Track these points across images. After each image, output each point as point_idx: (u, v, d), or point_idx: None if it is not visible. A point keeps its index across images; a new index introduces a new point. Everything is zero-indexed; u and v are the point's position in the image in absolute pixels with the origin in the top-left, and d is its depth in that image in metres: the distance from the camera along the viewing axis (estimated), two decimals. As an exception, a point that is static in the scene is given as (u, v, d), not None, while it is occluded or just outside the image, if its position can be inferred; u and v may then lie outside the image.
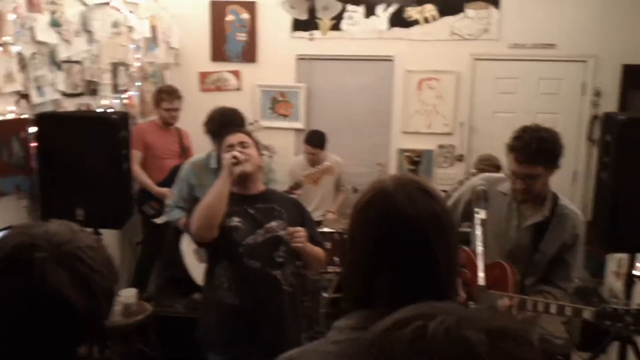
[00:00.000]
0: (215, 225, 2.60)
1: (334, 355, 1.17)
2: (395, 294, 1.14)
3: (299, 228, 2.66)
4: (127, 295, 3.72)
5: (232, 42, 6.22)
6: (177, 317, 4.19)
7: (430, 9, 5.91)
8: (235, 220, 2.65)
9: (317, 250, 2.79)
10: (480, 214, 2.39)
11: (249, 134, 2.89)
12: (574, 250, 2.68)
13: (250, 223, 2.67)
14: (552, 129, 2.60)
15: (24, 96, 3.73)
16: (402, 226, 1.18)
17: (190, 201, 3.59)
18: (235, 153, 2.66)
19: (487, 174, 2.94)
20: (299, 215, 2.82)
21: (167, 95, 4.97)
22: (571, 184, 5.96)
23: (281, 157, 5.69)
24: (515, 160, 2.51)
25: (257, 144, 2.87)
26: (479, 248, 2.29)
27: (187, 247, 3.81)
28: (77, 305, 1.04)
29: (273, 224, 2.70)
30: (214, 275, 2.69)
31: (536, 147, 2.46)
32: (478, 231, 2.34)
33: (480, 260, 2.27)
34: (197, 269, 3.75)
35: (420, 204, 1.19)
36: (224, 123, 3.47)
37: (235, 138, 2.80)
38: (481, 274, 2.25)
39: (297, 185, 4.16)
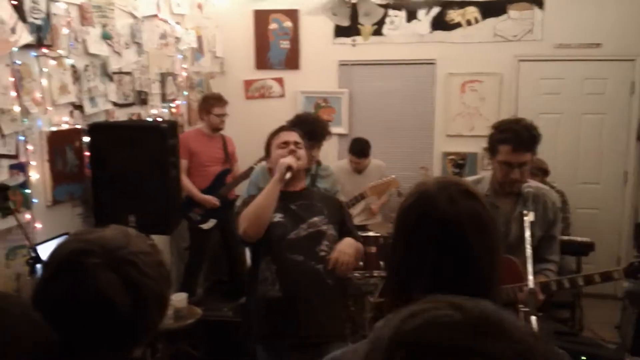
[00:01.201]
0: (264, 225, 2.69)
1: None
2: (434, 293, 1.16)
3: (341, 257, 2.70)
4: (178, 299, 3.80)
5: (275, 50, 6.31)
6: (225, 321, 4.26)
7: (472, 11, 5.88)
8: (278, 216, 2.73)
9: (359, 246, 2.86)
10: (529, 216, 2.43)
11: (300, 133, 2.98)
12: (556, 225, 2.86)
13: (293, 218, 2.75)
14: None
15: (78, 107, 3.88)
16: (442, 227, 1.20)
17: None
18: (291, 161, 2.74)
19: (466, 178, 3.04)
20: (339, 212, 2.88)
21: (217, 101, 5.11)
22: (622, 185, 5.82)
23: (324, 162, 5.71)
24: (512, 150, 2.67)
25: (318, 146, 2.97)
26: (528, 250, 2.30)
27: None
28: (125, 308, 1.07)
29: (315, 219, 2.77)
30: (258, 270, 2.76)
31: (527, 135, 2.67)
32: (527, 233, 2.36)
33: (530, 263, 2.28)
34: None
35: (460, 205, 1.21)
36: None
37: (291, 136, 2.89)
38: (530, 277, 2.25)
39: (361, 197, 4.20)
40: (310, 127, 3.44)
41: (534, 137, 2.69)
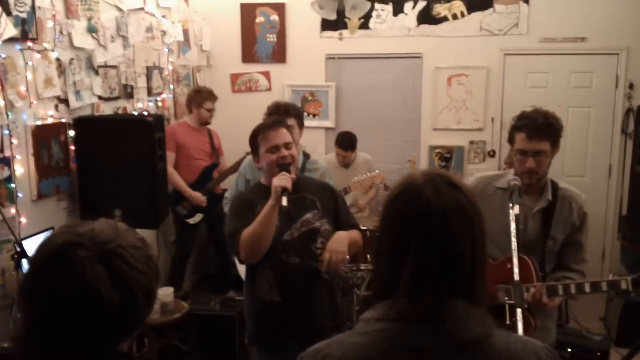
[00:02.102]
0: (263, 251, 2.58)
1: (359, 346, 1.20)
2: (417, 284, 1.17)
3: (333, 256, 2.61)
4: (165, 293, 3.80)
5: (262, 44, 6.29)
6: (213, 315, 4.26)
7: (458, 5, 5.90)
8: None
9: (353, 235, 2.77)
10: (515, 209, 2.39)
11: (286, 126, 2.79)
12: (583, 230, 2.72)
13: (286, 218, 2.65)
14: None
15: (63, 100, 3.85)
16: (426, 217, 1.21)
17: None
18: (285, 183, 2.54)
19: (482, 174, 2.95)
20: (332, 202, 2.79)
21: (209, 96, 5.13)
22: (607, 178, 5.89)
23: (312, 155, 5.73)
24: (526, 137, 2.59)
25: (300, 127, 2.84)
26: (514, 243, 2.30)
27: None
28: (113, 302, 1.07)
29: (308, 215, 2.69)
30: (255, 274, 2.70)
31: (543, 122, 2.58)
32: (512, 226, 2.35)
33: (515, 255, 2.27)
34: (243, 266, 3.75)
35: (445, 196, 1.22)
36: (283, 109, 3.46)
37: (280, 138, 2.69)
38: (516, 269, 2.26)
39: (344, 192, 4.18)
40: (286, 111, 3.41)
41: (550, 125, 2.59)
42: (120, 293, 1.08)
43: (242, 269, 3.85)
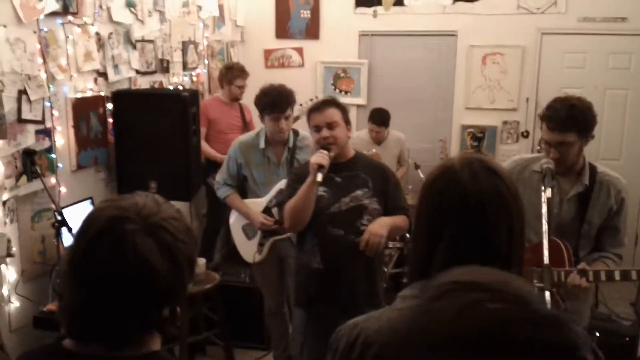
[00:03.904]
0: (304, 223, 2.79)
1: (394, 322, 1.24)
2: (450, 265, 1.21)
3: (371, 239, 2.72)
4: (197, 264, 3.88)
5: (295, 20, 6.29)
6: (241, 286, 4.36)
7: (496, -17, 5.80)
8: (321, 190, 2.77)
9: (396, 221, 2.86)
10: (547, 192, 2.40)
11: (338, 105, 2.90)
12: (621, 215, 2.68)
13: (335, 192, 2.80)
14: (586, 99, 2.63)
15: (102, 74, 3.93)
16: (462, 201, 1.23)
17: (238, 179, 3.68)
18: (321, 160, 2.70)
19: (519, 156, 2.93)
20: (384, 184, 2.88)
21: (241, 73, 5.16)
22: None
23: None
24: (548, 128, 2.57)
25: (346, 112, 2.90)
26: (544, 226, 2.30)
27: (235, 224, 3.79)
28: (163, 271, 1.12)
29: (358, 192, 2.81)
30: (303, 241, 2.89)
31: (565, 115, 2.52)
32: (543, 209, 2.35)
33: (545, 238, 2.28)
34: (245, 246, 3.77)
35: (482, 180, 1.24)
36: (276, 96, 3.47)
37: (323, 117, 2.82)
38: (545, 252, 2.27)
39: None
40: (279, 95, 3.44)
41: (574, 117, 2.52)
42: (168, 263, 1.13)
43: (242, 250, 3.90)
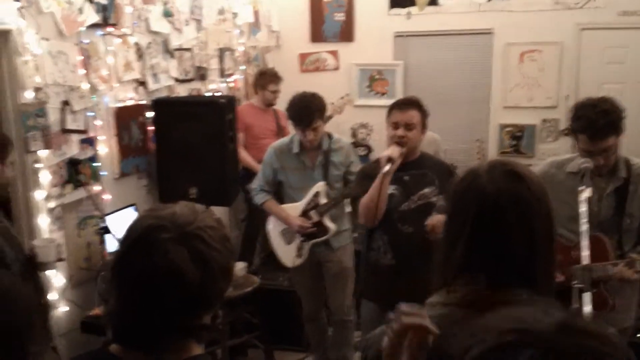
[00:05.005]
0: (378, 217, 2.87)
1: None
2: (468, 267, 1.23)
3: (437, 225, 2.74)
4: (237, 268, 3.93)
5: (329, 23, 6.31)
6: (280, 290, 4.40)
7: (532, -21, 5.71)
8: (391, 188, 2.88)
9: None
10: (585, 192, 2.37)
11: (420, 108, 2.99)
12: None
13: (404, 190, 2.91)
14: (609, 98, 2.65)
15: (142, 83, 4.03)
16: (480, 202, 1.27)
17: (274, 184, 3.72)
18: (392, 153, 2.81)
19: (553, 158, 2.90)
20: (450, 180, 2.91)
21: (273, 78, 5.19)
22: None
23: (379, 134, 5.76)
24: (588, 140, 2.55)
25: (426, 116, 2.98)
26: (584, 226, 2.28)
27: (274, 230, 3.84)
28: (194, 278, 1.16)
29: (426, 190, 2.92)
30: (373, 239, 2.99)
31: (604, 122, 2.50)
32: (583, 208, 2.33)
33: (585, 238, 2.25)
34: (284, 251, 3.82)
35: (502, 185, 1.27)
36: (302, 109, 3.52)
37: (403, 117, 2.93)
38: (584, 253, 2.24)
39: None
40: (304, 108, 3.48)
41: (611, 122, 2.52)
42: (200, 271, 1.17)
43: (281, 254, 3.92)
